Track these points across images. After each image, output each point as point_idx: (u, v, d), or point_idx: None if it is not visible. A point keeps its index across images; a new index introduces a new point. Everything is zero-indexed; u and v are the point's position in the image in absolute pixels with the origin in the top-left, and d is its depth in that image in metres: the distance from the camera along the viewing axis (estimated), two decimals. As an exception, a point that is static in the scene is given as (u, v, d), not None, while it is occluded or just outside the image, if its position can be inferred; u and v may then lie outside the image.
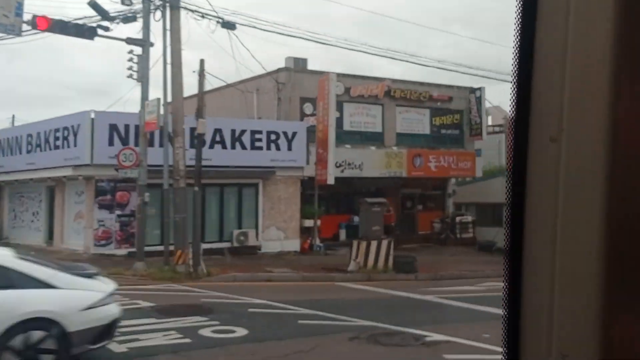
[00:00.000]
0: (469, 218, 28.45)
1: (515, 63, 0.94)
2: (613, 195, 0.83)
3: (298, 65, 24.56)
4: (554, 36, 0.89)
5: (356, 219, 26.60)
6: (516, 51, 0.95)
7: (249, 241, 19.71)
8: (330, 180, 20.61)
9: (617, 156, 0.83)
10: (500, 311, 0.96)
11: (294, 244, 20.97)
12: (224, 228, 19.82)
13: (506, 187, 0.98)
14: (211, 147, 19.35)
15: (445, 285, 16.56)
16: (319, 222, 21.70)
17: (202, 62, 15.72)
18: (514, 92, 0.95)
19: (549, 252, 0.89)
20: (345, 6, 58.81)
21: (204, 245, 19.22)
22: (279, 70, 23.82)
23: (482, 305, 12.02)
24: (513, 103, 0.95)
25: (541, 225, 0.91)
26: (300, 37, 20.61)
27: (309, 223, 21.34)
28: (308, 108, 23.61)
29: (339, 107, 24.87)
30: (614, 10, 0.83)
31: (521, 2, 0.94)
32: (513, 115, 0.95)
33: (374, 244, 18.38)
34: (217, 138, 19.48)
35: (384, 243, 18.63)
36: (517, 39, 0.95)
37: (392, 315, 10.50)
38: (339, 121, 24.91)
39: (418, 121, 27.27)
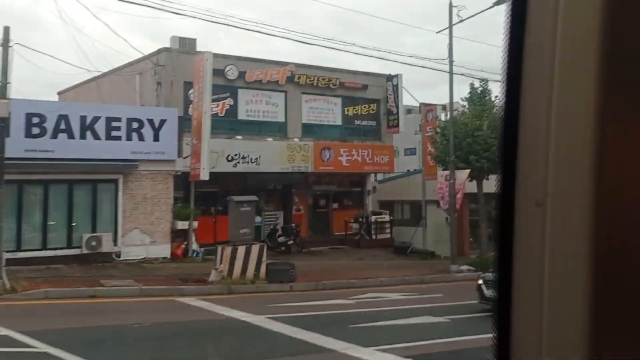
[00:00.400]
0: (387, 217, 26.03)
1: (501, 131, 0.99)
2: (598, 259, 0.86)
3: (184, 45, 21.73)
4: (538, 110, 0.92)
5: (258, 219, 24.01)
6: (502, 121, 0.99)
7: (104, 247, 16.84)
8: (204, 176, 17.87)
9: (602, 221, 0.86)
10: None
11: (163, 250, 18.19)
12: (73, 232, 16.90)
13: (494, 250, 1.02)
14: (54, 136, 16.43)
15: (314, 299, 14.01)
16: (195, 223, 18.90)
17: (6, 29, 12.83)
18: (500, 157, 0.99)
19: (536, 323, 0.92)
20: (322, 3, 56.21)
21: (47, 253, 16.40)
22: (159, 51, 20.99)
23: (312, 332, 9.45)
24: (500, 167, 1.00)
25: (528, 293, 0.93)
26: (147, 6, 17.83)
27: (183, 225, 18.55)
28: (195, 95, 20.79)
29: (233, 94, 22.22)
30: (595, 87, 0.86)
31: (505, 79, 0.97)
32: (500, 179, 0.99)
33: (241, 249, 15.73)
34: (62, 126, 16.53)
35: (255, 248, 15.99)
36: (503, 116, 0.98)
37: (154, 352, 7.85)
38: (233, 109, 22.25)
39: (328, 111, 24.71)
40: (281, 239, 22.54)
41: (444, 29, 20.53)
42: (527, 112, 0.94)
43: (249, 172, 21.97)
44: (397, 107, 25.47)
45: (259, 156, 21.93)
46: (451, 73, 20.11)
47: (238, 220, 15.95)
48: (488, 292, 11.73)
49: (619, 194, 0.86)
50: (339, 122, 25.03)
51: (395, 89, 25.49)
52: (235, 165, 21.46)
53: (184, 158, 18.61)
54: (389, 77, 25.75)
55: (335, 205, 26.52)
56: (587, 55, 0.86)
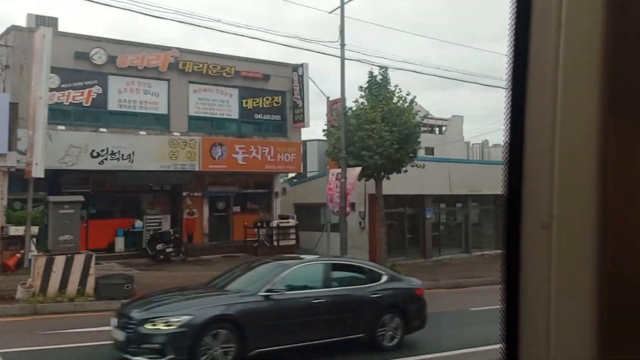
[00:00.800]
0: (291, 222, 23.49)
1: (507, 154, 0.99)
2: (604, 279, 0.87)
3: (44, 24, 18.91)
4: (542, 134, 0.93)
5: (139, 223, 21.30)
6: (507, 144, 0.99)
7: None
8: (37, 173, 15.12)
9: (607, 242, 0.87)
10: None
11: (-12, 260, 15.33)
12: None
13: (500, 272, 1.03)
14: None
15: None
16: (35, 229, 16.07)
17: None
18: (505, 180, 1.00)
19: (544, 344, 0.93)
20: (303, 6, 54.03)
21: None
22: (7, 31, 18.20)
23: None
24: (505, 191, 1.01)
25: (535, 319, 0.95)
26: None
27: (17, 231, 15.73)
28: (53, 80, 18.04)
29: (102, 82, 19.49)
30: (598, 111, 0.87)
31: (510, 98, 0.98)
32: (506, 201, 1.00)
33: (60, 260, 13.02)
34: None
35: (79, 259, 13.29)
36: (507, 141, 0.99)
37: None
38: (102, 99, 19.51)
39: (221, 103, 22.12)
40: (159, 247, 19.85)
41: (335, 9, 18.15)
42: (531, 136, 0.95)
43: (121, 171, 19.25)
44: (303, 100, 23.00)
45: (133, 152, 19.23)
46: (343, 58, 17.73)
47: (58, 225, 13.23)
48: (119, 335, 7.49)
49: (623, 216, 0.87)
50: (235, 115, 22.46)
51: (301, 79, 23.03)
52: (101, 163, 18.72)
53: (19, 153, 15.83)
54: (295, 67, 23.30)
55: (236, 209, 23.93)
56: (590, 77, 0.87)
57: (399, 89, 18.45)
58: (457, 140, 50.05)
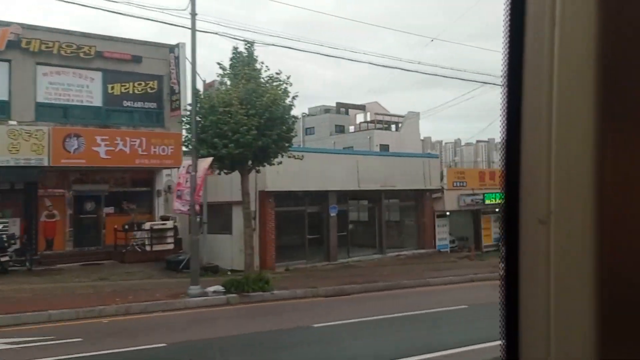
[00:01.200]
0: (169, 224, 20.73)
1: (504, 151, 1.00)
2: (602, 274, 0.87)
3: None
4: (539, 129, 0.94)
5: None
6: (503, 138, 1.00)
7: None
8: None
9: (605, 237, 0.88)
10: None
11: None
12: None
13: (499, 267, 1.03)
14: None
15: None
16: None
17: None
18: (503, 176, 1.00)
19: (544, 341, 0.93)
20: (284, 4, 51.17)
21: None
22: None
23: None
24: (503, 187, 1.00)
25: (533, 316, 0.95)
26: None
27: None
28: None
29: None
30: (595, 106, 0.88)
31: (506, 95, 0.99)
32: (504, 198, 1.00)
33: None
34: None
35: None
36: (504, 139, 1.00)
37: None
38: None
39: (79, 88, 19.27)
40: (-7, 255, 16.94)
41: (187, -27, 15.46)
42: (528, 131, 0.96)
43: (-58, 166, 16.31)
44: (180, 85, 20.30)
45: (-43, 144, 16.29)
46: (194, 29, 15.08)
47: None
48: None
49: (621, 210, 0.87)
50: (97, 102, 19.62)
51: (177, 61, 20.34)
52: None
53: None
54: (171, 48, 20.58)
55: (109, 210, 21.10)
56: (585, 74, 0.88)
57: (267, 66, 15.89)
58: (409, 121, 47.90)
